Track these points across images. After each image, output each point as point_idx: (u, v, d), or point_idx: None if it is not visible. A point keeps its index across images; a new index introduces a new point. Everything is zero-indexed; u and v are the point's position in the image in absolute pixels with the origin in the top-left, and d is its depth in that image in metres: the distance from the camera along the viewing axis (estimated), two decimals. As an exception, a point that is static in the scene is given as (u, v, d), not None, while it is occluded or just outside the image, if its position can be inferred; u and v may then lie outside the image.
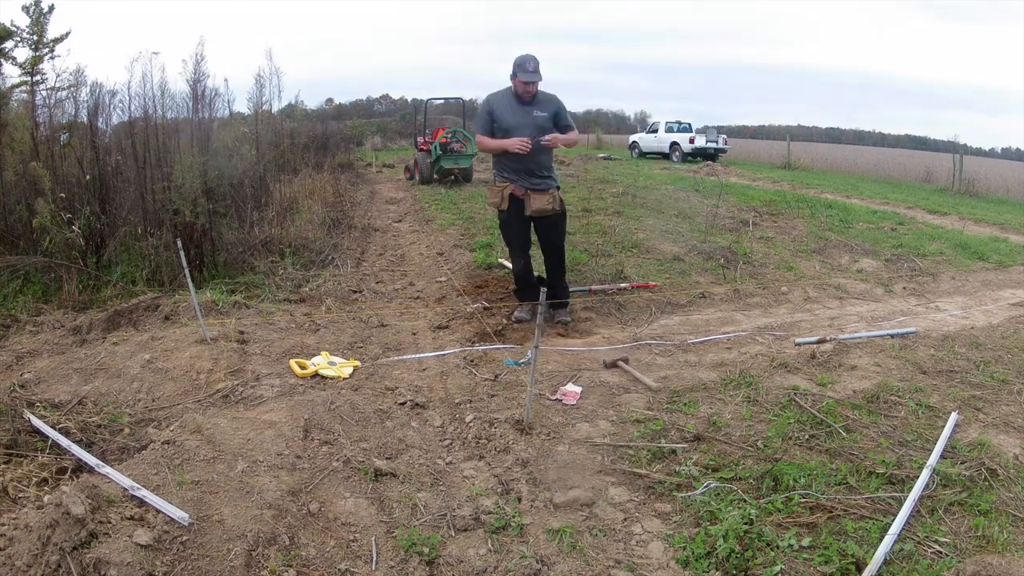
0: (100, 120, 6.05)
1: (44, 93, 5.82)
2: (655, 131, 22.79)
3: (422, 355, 3.74)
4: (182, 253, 3.72)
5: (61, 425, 2.61)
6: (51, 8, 5.50)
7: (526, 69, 3.91)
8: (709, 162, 18.89)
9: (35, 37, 5.49)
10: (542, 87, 4.04)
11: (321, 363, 3.42)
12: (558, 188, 4.18)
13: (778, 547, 2.01)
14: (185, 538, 1.91)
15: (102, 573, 1.70)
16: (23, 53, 5.54)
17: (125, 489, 2.05)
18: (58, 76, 5.73)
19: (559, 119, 4.06)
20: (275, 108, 10.57)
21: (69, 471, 2.32)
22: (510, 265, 5.59)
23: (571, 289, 4.66)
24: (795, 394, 3.15)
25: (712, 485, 2.36)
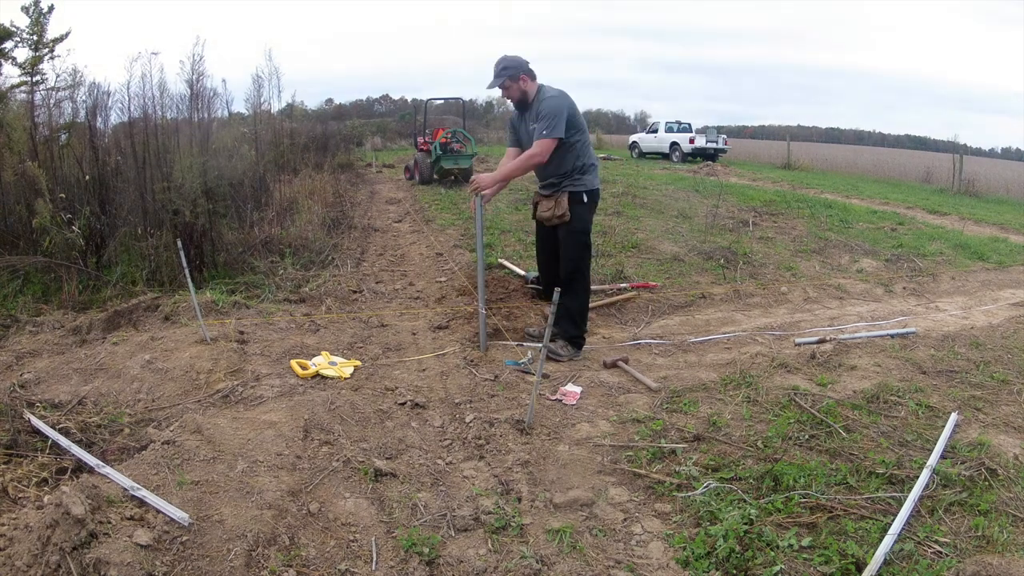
0: (99, 120, 6.05)
1: (43, 93, 5.82)
2: (655, 131, 22.80)
3: (422, 356, 3.74)
4: (182, 253, 3.72)
5: (61, 425, 2.61)
6: (51, 8, 5.50)
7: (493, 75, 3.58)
8: (709, 162, 18.89)
9: (35, 37, 5.48)
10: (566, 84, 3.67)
11: (322, 363, 3.42)
12: (574, 194, 3.63)
13: (778, 547, 2.01)
14: (185, 538, 1.91)
15: (102, 573, 1.70)
16: (23, 53, 5.54)
17: (125, 489, 2.05)
18: (58, 76, 5.73)
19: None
20: (274, 108, 10.58)
21: (69, 471, 2.32)
22: (512, 267, 5.60)
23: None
24: (795, 394, 3.15)
25: (712, 485, 2.35)
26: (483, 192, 3.67)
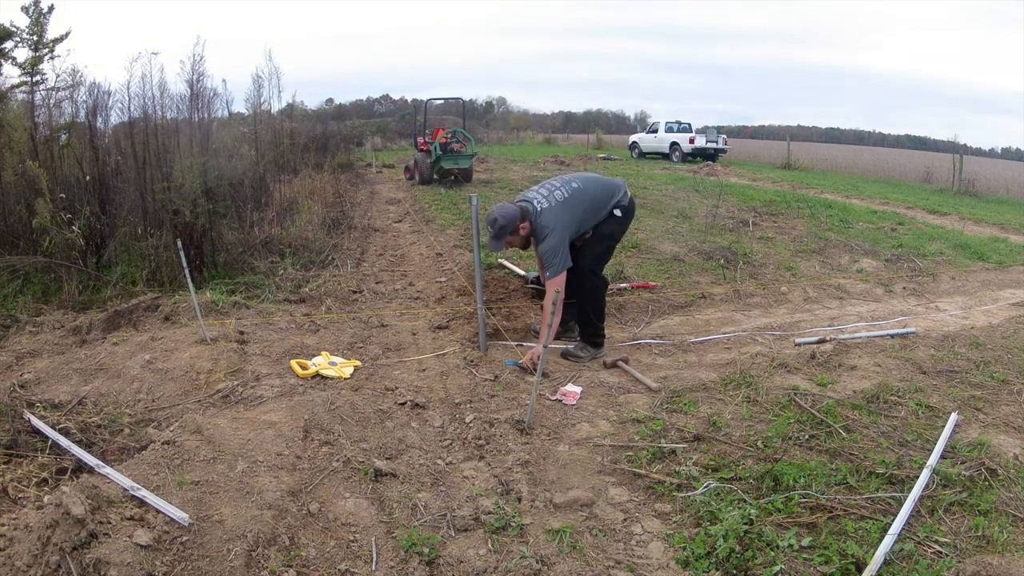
0: (99, 120, 6.05)
1: (43, 93, 5.82)
2: (655, 131, 22.80)
3: (422, 356, 3.74)
4: (182, 253, 3.72)
5: (61, 425, 2.61)
6: (51, 8, 5.50)
7: (488, 236, 3.63)
8: (709, 162, 18.90)
9: (35, 37, 5.48)
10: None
11: (322, 363, 3.42)
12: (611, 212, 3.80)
13: (778, 547, 2.01)
14: (185, 538, 1.91)
15: (102, 573, 1.70)
16: (23, 53, 5.54)
17: (125, 489, 2.05)
18: (58, 76, 5.73)
19: None
20: (274, 108, 10.56)
21: (69, 471, 2.32)
22: (511, 267, 5.60)
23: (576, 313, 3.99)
24: (795, 394, 3.15)
25: (712, 485, 2.36)
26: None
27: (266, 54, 13.61)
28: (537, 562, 1.99)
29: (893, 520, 2.10)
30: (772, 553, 1.98)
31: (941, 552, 2.02)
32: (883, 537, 2.02)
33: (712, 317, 4.65)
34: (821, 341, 3.98)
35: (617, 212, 3.79)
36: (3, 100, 5.50)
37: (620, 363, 3.61)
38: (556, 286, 3.44)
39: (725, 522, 2.11)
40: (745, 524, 2.09)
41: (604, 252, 3.89)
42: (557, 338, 3.96)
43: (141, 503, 2.00)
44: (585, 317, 3.79)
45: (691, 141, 20.83)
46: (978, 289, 5.71)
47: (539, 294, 4.64)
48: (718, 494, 2.31)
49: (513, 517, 2.21)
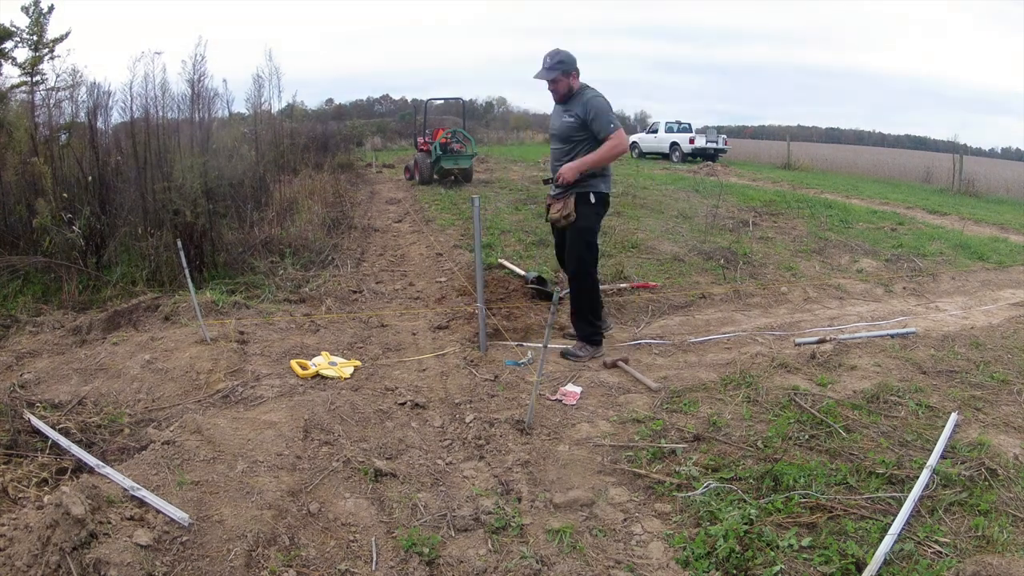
0: (99, 120, 6.06)
1: (43, 93, 5.83)
2: (655, 131, 22.79)
3: (422, 356, 3.74)
4: (182, 253, 3.72)
5: (61, 425, 2.61)
6: (51, 8, 5.52)
7: (542, 66, 3.61)
8: (709, 162, 18.90)
9: (35, 37, 5.49)
10: (601, 84, 3.68)
11: (322, 363, 3.42)
12: (581, 195, 3.64)
13: (778, 547, 2.01)
14: (185, 538, 1.91)
15: (102, 573, 1.70)
16: (23, 53, 5.55)
17: (125, 489, 2.05)
18: (58, 76, 5.74)
19: (590, 124, 3.54)
20: (274, 108, 10.58)
21: (69, 471, 2.32)
22: (512, 267, 5.60)
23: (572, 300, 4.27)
24: (795, 394, 3.15)
25: (712, 485, 2.36)
26: (568, 182, 3.62)
27: (266, 54, 13.66)
28: (537, 562, 1.99)
29: (893, 520, 2.10)
30: (772, 553, 1.98)
31: (941, 552, 2.02)
32: (883, 537, 2.02)
33: (712, 317, 4.65)
34: (821, 341, 3.98)
35: (592, 197, 3.64)
36: (3, 100, 5.50)
37: (620, 363, 3.61)
38: (619, 138, 3.51)
39: (725, 522, 2.11)
40: (745, 524, 2.09)
41: (581, 249, 3.71)
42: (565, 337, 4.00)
43: (141, 503, 2.00)
44: (581, 316, 3.79)
45: (691, 141, 20.83)
46: (978, 289, 5.71)
47: (539, 294, 4.64)
48: (718, 494, 2.31)
49: (513, 517, 2.21)
